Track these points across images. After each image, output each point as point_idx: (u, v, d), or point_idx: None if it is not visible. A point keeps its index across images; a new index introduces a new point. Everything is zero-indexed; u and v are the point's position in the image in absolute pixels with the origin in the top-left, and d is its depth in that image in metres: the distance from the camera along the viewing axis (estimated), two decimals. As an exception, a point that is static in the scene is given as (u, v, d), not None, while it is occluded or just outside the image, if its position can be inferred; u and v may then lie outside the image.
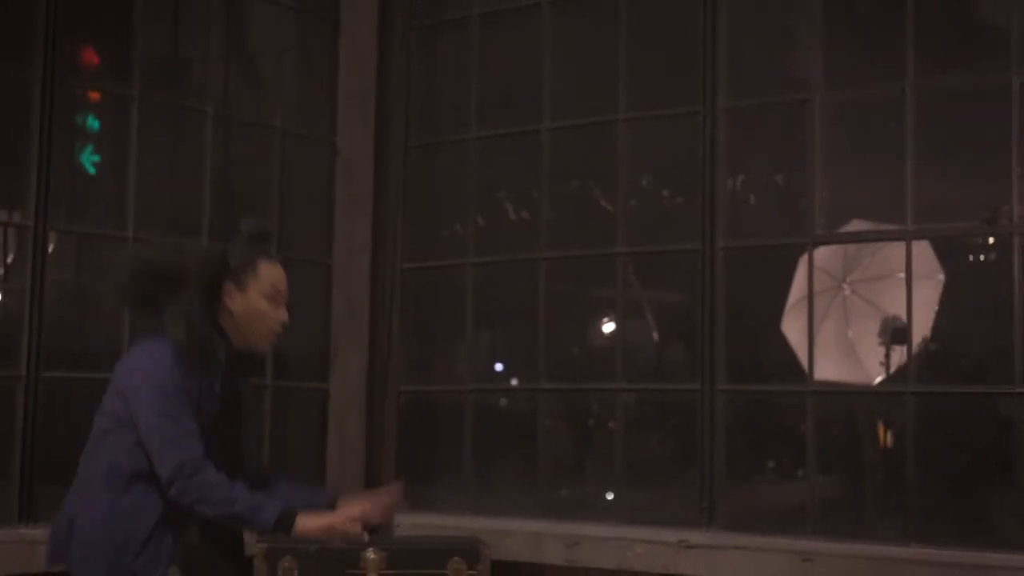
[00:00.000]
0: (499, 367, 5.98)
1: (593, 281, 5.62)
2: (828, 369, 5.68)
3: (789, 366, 5.14)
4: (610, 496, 5.41)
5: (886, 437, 5.05)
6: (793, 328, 5.28)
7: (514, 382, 5.82)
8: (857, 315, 5.76)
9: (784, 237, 5.15)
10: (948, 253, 5.00)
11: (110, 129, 5.34)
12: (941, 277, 5.11)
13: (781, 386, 5.14)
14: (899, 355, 5.08)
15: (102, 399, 3.40)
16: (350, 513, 3.34)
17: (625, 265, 5.43)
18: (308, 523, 3.24)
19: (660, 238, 5.38)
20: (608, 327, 5.60)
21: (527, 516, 5.43)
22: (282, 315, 3.43)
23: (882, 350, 5.25)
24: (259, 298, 3.38)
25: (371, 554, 4.94)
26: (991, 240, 4.82)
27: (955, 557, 4.47)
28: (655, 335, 5.59)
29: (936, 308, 5.19)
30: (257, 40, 5.95)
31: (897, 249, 4.93)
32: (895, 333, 5.12)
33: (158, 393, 3.20)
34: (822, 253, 5.57)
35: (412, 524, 5.60)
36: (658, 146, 5.46)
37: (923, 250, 5.12)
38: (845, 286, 5.80)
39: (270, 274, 3.41)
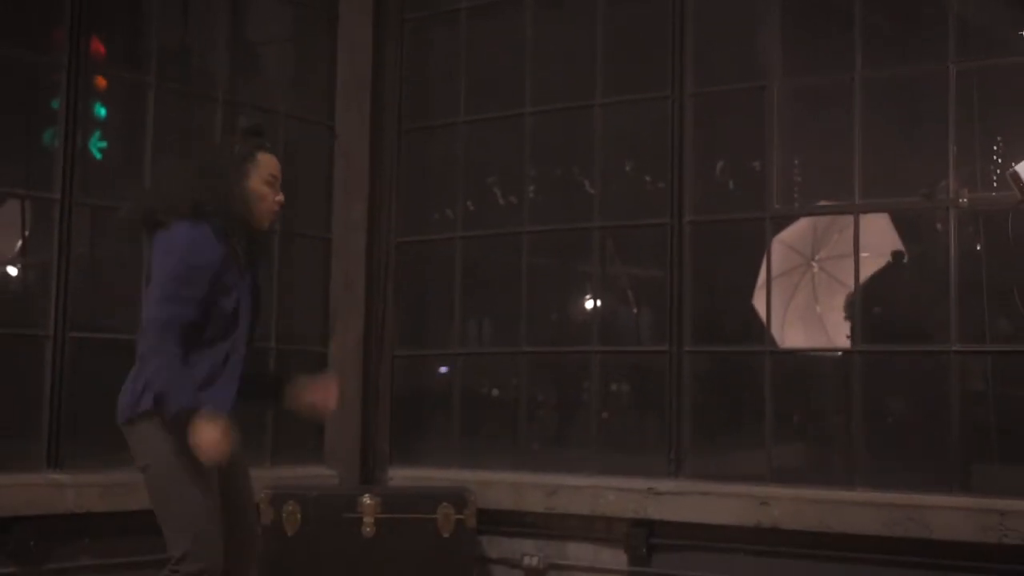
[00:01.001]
0: (485, 332, 6.39)
1: (572, 253, 6.03)
2: (798, 340, 6.11)
3: (751, 330, 5.58)
4: (585, 449, 5.84)
5: (836, 393, 5.49)
6: (764, 303, 5.70)
7: (499, 347, 6.22)
8: (825, 290, 6.20)
9: (745, 211, 5.56)
10: (905, 226, 5.43)
11: (127, 113, 5.77)
12: (902, 251, 5.55)
13: (741, 347, 5.58)
14: (861, 324, 5.48)
15: None
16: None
17: (602, 238, 5.87)
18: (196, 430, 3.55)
19: (633, 213, 5.82)
20: (585, 295, 6.03)
21: (510, 469, 5.86)
22: (279, 197, 3.86)
23: (848, 322, 5.62)
24: (259, 183, 3.82)
25: (367, 499, 5.40)
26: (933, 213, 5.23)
27: (893, 499, 4.91)
28: (628, 302, 6.03)
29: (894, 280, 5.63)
30: (260, 31, 6.37)
31: (862, 228, 5.32)
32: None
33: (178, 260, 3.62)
34: (792, 233, 5.97)
35: (404, 476, 6.05)
36: (631, 129, 5.86)
37: (885, 227, 5.55)
38: (814, 264, 6.22)
39: (267, 162, 3.85)
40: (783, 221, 5.59)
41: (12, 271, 5.43)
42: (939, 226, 5.26)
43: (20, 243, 5.39)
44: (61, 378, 5.21)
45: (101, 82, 5.56)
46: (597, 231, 5.85)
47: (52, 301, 5.22)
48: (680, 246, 5.57)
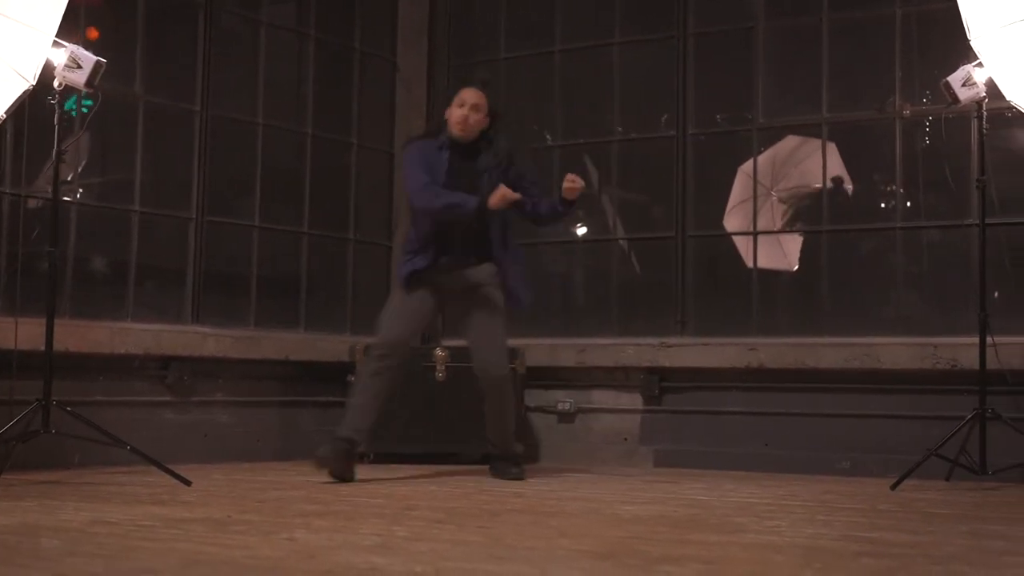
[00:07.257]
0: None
1: (595, 162, 7.42)
2: (762, 259, 7.44)
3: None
4: (609, 316, 7.22)
5: (805, 264, 6.89)
6: (732, 223, 7.11)
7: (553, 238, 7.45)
8: (782, 216, 7.51)
9: (736, 125, 7.01)
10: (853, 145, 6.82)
11: (244, 43, 7.11)
12: (849, 187, 6.93)
13: (733, 231, 7.01)
14: (812, 239, 6.84)
15: None
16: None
17: (620, 148, 7.27)
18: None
19: (646, 129, 7.23)
20: (606, 195, 7.42)
21: (546, 335, 7.18)
22: (461, 113, 5.46)
23: (799, 241, 7.00)
24: (454, 107, 5.44)
25: (440, 351, 6.74)
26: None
27: (852, 340, 6.35)
28: (643, 197, 7.42)
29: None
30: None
31: (813, 164, 6.73)
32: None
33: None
34: (758, 166, 7.30)
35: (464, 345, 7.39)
36: (643, 62, 7.27)
37: (836, 164, 6.90)
38: (773, 194, 7.56)
39: (460, 92, 5.50)
40: (767, 132, 6.96)
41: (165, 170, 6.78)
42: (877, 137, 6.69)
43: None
44: (202, 253, 6.55)
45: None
46: (615, 143, 7.26)
47: (194, 192, 6.59)
48: (685, 153, 6.99)
